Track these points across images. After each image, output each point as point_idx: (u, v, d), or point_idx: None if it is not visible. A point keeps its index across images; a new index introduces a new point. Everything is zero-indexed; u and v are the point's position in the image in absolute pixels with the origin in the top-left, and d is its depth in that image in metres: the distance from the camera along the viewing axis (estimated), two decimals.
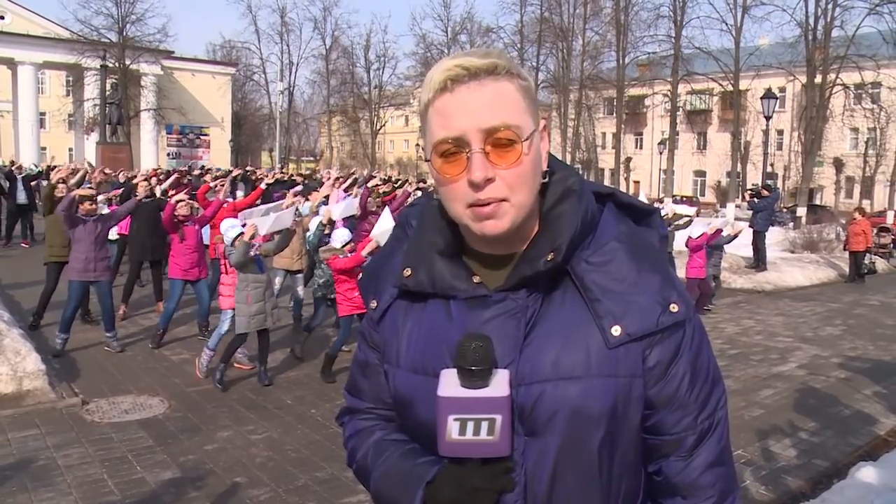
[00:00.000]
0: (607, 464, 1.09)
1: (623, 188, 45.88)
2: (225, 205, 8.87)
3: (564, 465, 1.07)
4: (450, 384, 1.02)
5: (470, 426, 1.01)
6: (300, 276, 8.77)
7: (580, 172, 1.21)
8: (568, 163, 1.21)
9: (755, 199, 15.93)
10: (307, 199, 11.52)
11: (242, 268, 6.32)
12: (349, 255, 6.78)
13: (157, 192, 10.39)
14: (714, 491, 1.13)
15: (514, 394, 1.05)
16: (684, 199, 42.53)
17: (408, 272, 1.15)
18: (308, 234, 7.92)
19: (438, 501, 1.05)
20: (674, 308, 1.09)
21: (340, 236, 7.00)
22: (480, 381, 1.01)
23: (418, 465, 1.12)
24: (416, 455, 1.15)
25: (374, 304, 1.23)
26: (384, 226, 6.46)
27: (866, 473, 4.26)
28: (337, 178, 15.72)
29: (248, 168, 24.97)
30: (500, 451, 1.02)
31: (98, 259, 7.41)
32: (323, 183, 19.13)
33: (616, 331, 1.06)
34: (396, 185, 16.78)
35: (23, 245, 15.41)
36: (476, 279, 1.12)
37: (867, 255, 16.08)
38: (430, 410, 1.06)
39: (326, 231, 7.60)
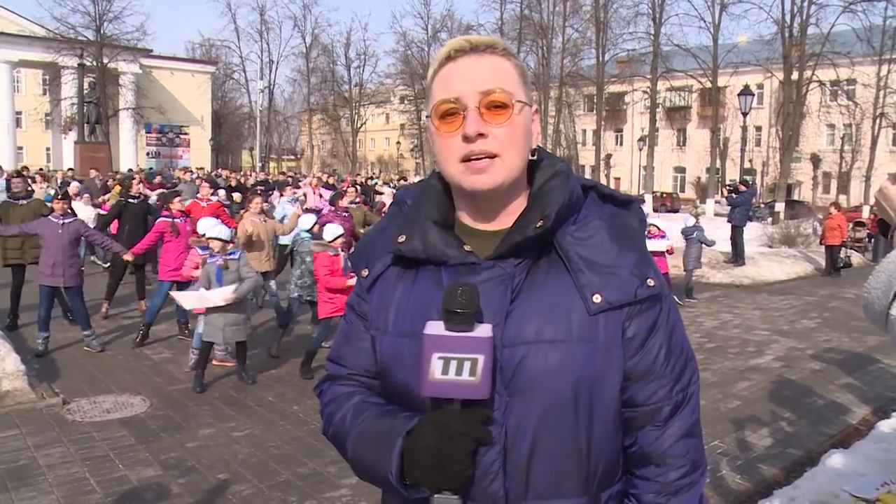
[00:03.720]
0: (586, 430, 1.14)
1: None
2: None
3: (545, 428, 1.12)
4: (435, 327, 1.07)
5: (453, 365, 1.05)
6: (269, 274, 8.68)
7: None
8: None
9: (733, 195, 16.12)
10: (282, 195, 11.50)
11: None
12: (339, 251, 6.79)
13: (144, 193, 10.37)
14: (686, 461, 1.19)
15: (498, 354, 1.10)
16: (665, 195, 42.85)
17: (402, 238, 1.22)
18: (292, 235, 8.00)
19: (418, 448, 1.08)
20: (650, 283, 1.16)
21: (332, 231, 6.95)
22: (465, 326, 1.06)
23: (398, 419, 1.16)
24: (395, 413, 1.19)
25: (365, 272, 1.28)
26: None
27: (837, 460, 4.36)
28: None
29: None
30: (480, 394, 1.06)
31: (67, 265, 7.21)
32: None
33: (597, 298, 1.13)
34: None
35: None
36: (467, 248, 1.19)
37: (843, 249, 16.32)
38: (414, 373, 1.11)
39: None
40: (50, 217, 7.31)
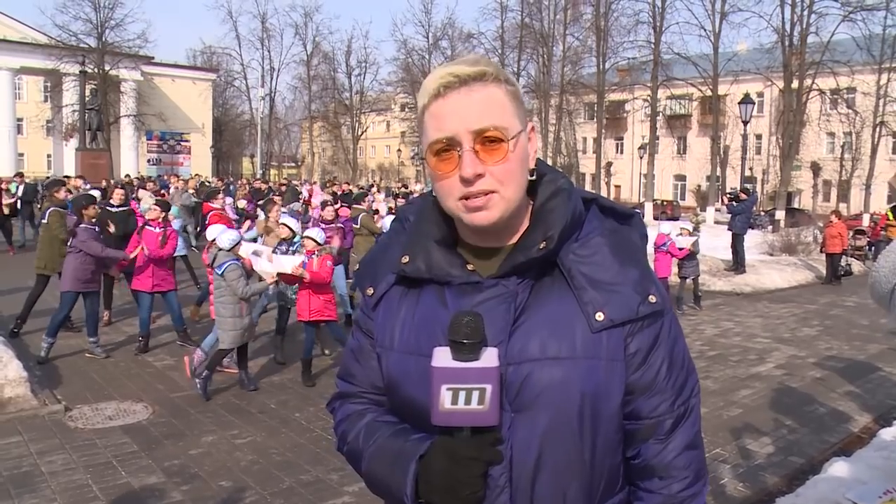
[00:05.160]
0: (590, 444, 1.16)
1: (604, 193, 46.25)
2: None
3: (550, 442, 1.14)
4: (443, 357, 1.09)
5: (462, 395, 1.07)
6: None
7: None
8: None
9: (733, 203, 16.13)
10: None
11: (248, 297, 6.44)
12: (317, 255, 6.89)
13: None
14: (689, 472, 1.21)
15: (503, 372, 1.12)
16: (665, 203, 42.90)
17: (406, 259, 1.23)
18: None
19: (431, 472, 1.11)
20: (652, 299, 1.18)
21: (314, 235, 7.08)
22: (471, 355, 1.07)
23: (410, 441, 1.18)
24: (407, 433, 1.20)
25: (370, 291, 1.30)
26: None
27: (839, 468, 4.36)
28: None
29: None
30: (489, 421, 1.08)
31: (99, 269, 7.48)
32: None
33: (600, 316, 1.15)
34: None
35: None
36: (470, 267, 1.21)
37: (843, 257, 16.34)
38: (421, 389, 1.12)
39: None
40: (86, 226, 7.45)
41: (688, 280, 11.78)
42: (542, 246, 1.16)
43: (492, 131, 1.11)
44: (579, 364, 1.14)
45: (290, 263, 6.69)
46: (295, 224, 8.00)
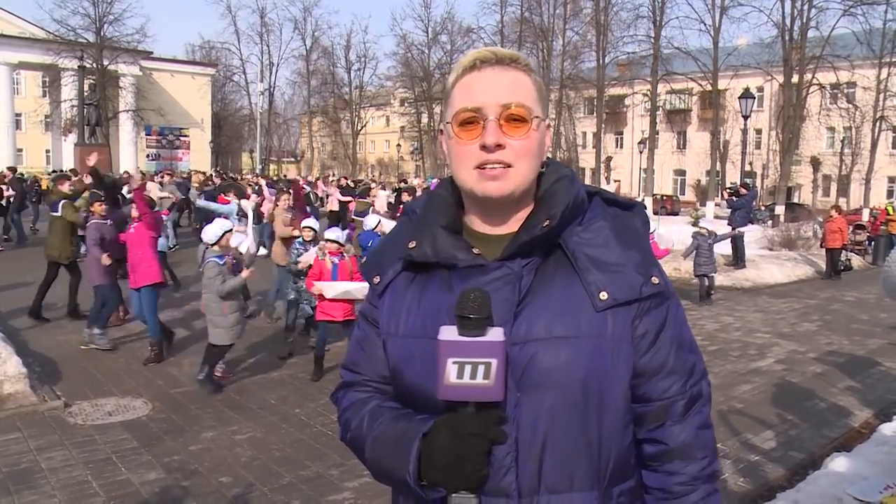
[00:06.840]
0: (596, 425, 1.17)
1: (604, 187, 46.23)
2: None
3: (556, 422, 1.15)
4: (449, 333, 1.10)
5: (467, 369, 1.07)
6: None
7: None
8: None
9: (734, 198, 16.12)
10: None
11: (229, 297, 6.31)
12: (325, 254, 6.78)
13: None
14: (707, 451, 1.24)
15: (508, 352, 1.12)
16: (665, 197, 42.88)
17: (413, 244, 1.26)
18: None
19: (434, 449, 1.10)
20: (655, 280, 1.20)
21: (333, 236, 6.95)
22: (478, 331, 1.08)
23: (414, 422, 1.18)
24: (411, 416, 1.21)
25: (376, 279, 1.31)
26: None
27: (840, 464, 4.37)
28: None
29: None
30: (494, 396, 1.08)
31: (104, 264, 7.78)
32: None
33: (603, 296, 1.17)
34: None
35: None
36: (475, 251, 1.22)
37: (843, 252, 16.30)
38: (426, 374, 1.13)
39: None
40: (95, 221, 7.97)
41: (705, 277, 11.92)
42: (545, 224, 1.18)
43: (518, 108, 1.17)
44: (584, 344, 1.15)
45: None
46: (315, 224, 7.95)
